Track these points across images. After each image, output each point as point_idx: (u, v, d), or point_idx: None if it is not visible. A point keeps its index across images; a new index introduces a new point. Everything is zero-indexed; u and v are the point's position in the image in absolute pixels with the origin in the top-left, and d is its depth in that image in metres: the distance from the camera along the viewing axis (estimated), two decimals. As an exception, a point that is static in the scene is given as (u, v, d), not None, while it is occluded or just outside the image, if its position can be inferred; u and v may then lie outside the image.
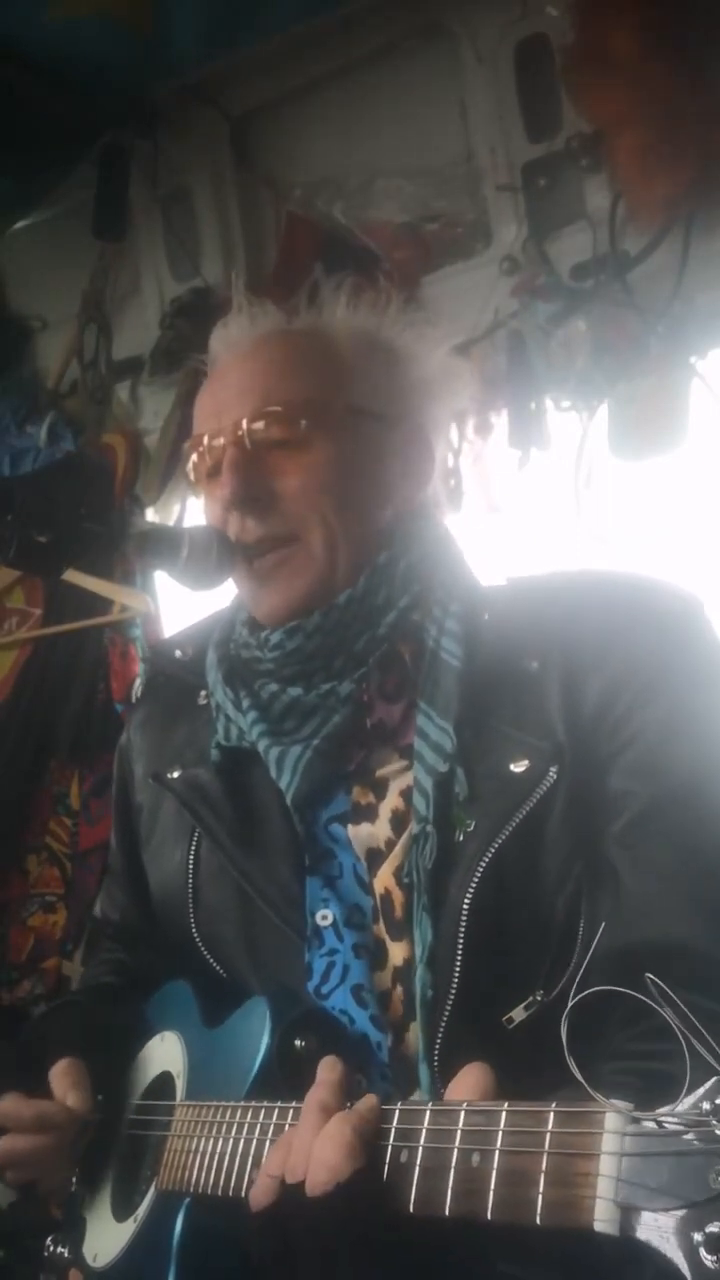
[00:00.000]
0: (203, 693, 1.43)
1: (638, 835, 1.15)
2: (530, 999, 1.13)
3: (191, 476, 1.41)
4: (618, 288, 2.03)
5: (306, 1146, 0.96)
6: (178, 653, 1.52)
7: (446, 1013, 1.14)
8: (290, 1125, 1.06)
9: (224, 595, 2.42)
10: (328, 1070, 1.03)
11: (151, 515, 2.55)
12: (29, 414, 2.70)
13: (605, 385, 2.04)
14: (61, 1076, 1.28)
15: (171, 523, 2.53)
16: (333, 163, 2.37)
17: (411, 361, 1.40)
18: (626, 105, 1.91)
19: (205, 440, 1.36)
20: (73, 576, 2.50)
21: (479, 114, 2.20)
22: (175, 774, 1.39)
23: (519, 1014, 1.13)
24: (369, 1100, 0.97)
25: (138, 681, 2.52)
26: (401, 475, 1.38)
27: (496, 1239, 0.89)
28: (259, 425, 1.31)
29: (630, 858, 1.14)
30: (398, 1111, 0.95)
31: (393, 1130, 0.94)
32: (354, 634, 1.29)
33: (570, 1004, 0.84)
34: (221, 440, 1.33)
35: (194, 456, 1.38)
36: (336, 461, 1.32)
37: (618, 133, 1.96)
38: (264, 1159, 1.05)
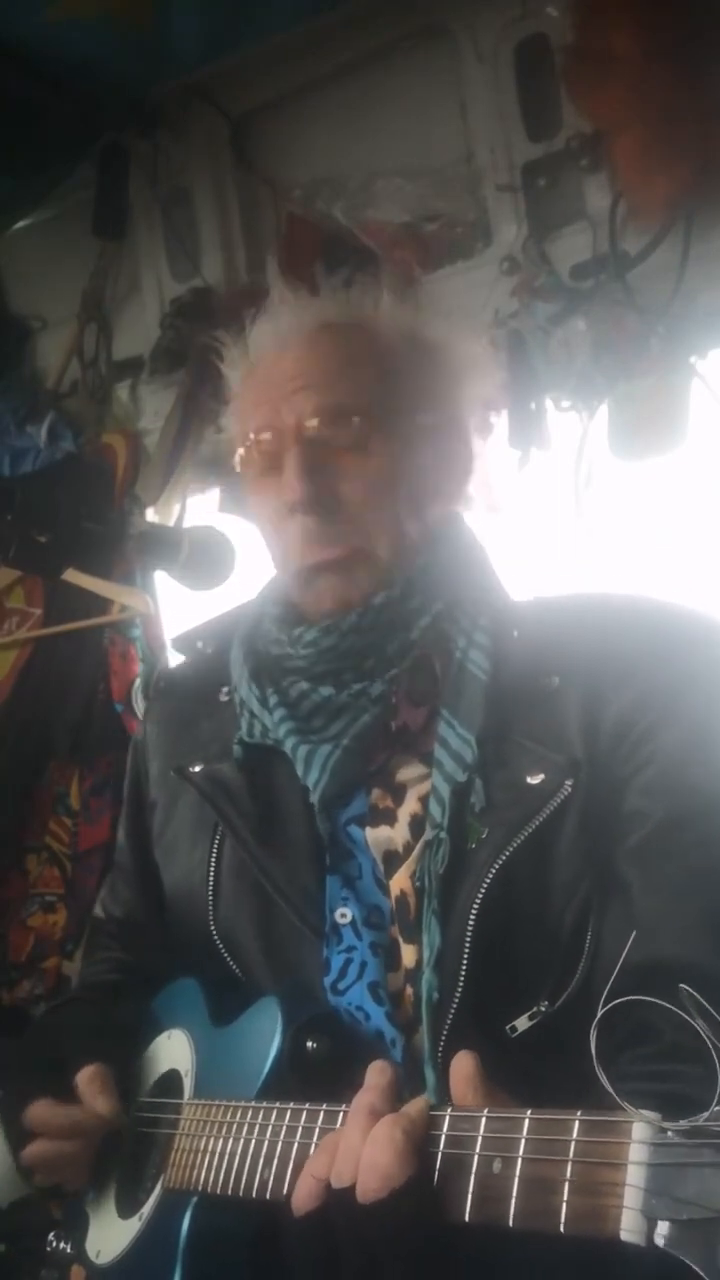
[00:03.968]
0: (225, 689, 1.42)
1: (650, 853, 1.15)
2: (535, 1009, 1.14)
3: (239, 470, 1.38)
4: (618, 288, 2.03)
5: (354, 1150, 0.94)
6: (199, 644, 1.51)
7: (451, 1016, 1.14)
8: (303, 1127, 1.06)
9: (223, 595, 2.45)
10: (378, 1074, 1.01)
11: (151, 515, 2.55)
12: (29, 414, 2.70)
13: (605, 385, 2.04)
14: (90, 1083, 1.28)
15: (171, 523, 2.53)
16: (333, 163, 2.37)
17: (447, 354, 1.39)
18: (626, 105, 1.91)
19: (261, 435, 1.33)
20: (73, 576, 2.51)
21: (479, 114, 2.20)
22: (197, 768, 1.38)
23: (523, 1023, 1.14)
24: (419, 1103, 0.95)
25: (137, 681, 2.52)
26: (448, 474, 1.39)
27: (540, 1262, 0.88)
28: (322, 426, 1.30)
29: (642, 875, 1.15)
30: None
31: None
32: (387, 636, 1.30)
33: (601, 1011, 0.84)
34: (280, 437, 1.31)
35: (241, 451, 1.36)
36: (393, 464, 1.32)
37: (618, 132, 1.96)
38: (300, 1159, 1.03)
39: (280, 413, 1.31)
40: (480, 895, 1.15)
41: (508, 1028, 1.14)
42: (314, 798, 1.27)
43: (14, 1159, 1.31)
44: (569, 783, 1.18)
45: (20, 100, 2.25)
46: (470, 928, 1.15)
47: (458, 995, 1.14)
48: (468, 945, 1.14)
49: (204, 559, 2.42)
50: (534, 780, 1.19)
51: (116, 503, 2.56)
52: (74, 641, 2.61)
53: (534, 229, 2.15)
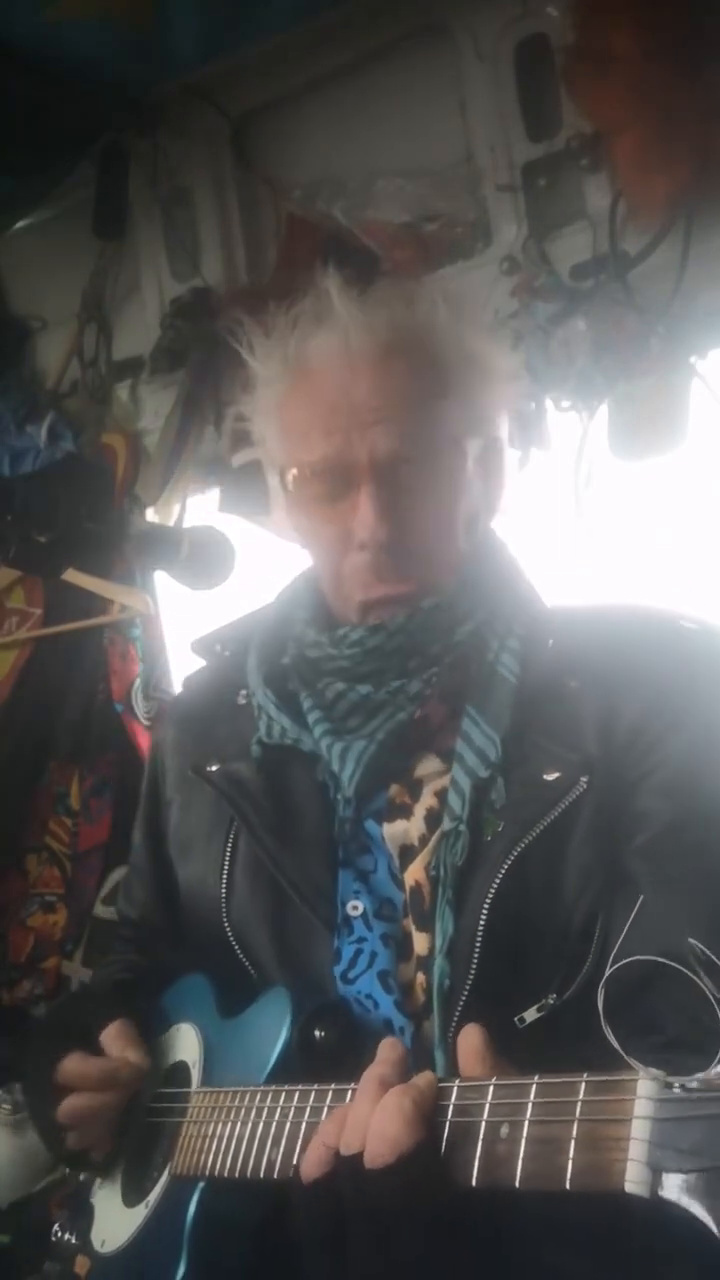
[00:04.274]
0: (242, 692, 1.45)
1: (660, 851, 1.19)
2: (543, 1001, 1.16)
3: (292, 490, 1.35)
4: (618, 288, 2.03)
5: (363, 1118, 0.97)
6: (218, 646, 1.53)
7: (462, 1003, 1.17)
8: (311, 1106, 1.08)
9: (222, 595, 2.45)
10: (389, 1049, 1.05)
11: (151, 515, 2.55)
12: (29, 414, 2.70)
13: (605, 385, 2.04)
14: (116, 1037, 1.31)
15: (171, 523, 2.53)
16: (333, 163, 2.37)
17: (492, 370, 1.39)
18: (626, 105, 1.91)
19: (325, 463, 1.31)
20: (73, 576, 2.51)
21: (479, 114, 2.20)
22: (214, 767, 1.41)
23: (531, 1014, 1.16)
24: (427, 1076, 0.99)
25: (137, 681, 2.52)
26: (493, 492, 1.41)
27: (547, 1226, 0.92)
28: (397, 463, 1.29)
29: (651, 871, 1.18)
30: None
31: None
32: (432, 638, 1.32)
33: (609, 970, 0.88)
34: (349, 470, 1.29)
35: (295, 471, 1.34)
36: (453, 492, 1.33)
37: (618, 132, 1.96)
38: (309, 1138, 1.06)
39: (352, 443, 1.28)
40: (494, 887, 1.18)
41: (516, 1019, 1.16)
42: (348, 792, 1.29)
43: (45, 1130, 1.33)
44: (584, 780, 1.21)
45: (20, 100, 2.25)
46: (483, 918, 1.18)
47: (469, 983, 1.17)
48: (480, 935, 1.18)
49: (204, 559, 2.43)
50: (550, 777, 1.23)
51: (116, 503, 2.57)
52: (74, 641, 2.61)
53: (534, 229, 2.15)
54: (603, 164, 2.04)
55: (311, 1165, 1.01)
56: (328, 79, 2.37)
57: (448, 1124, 0.94)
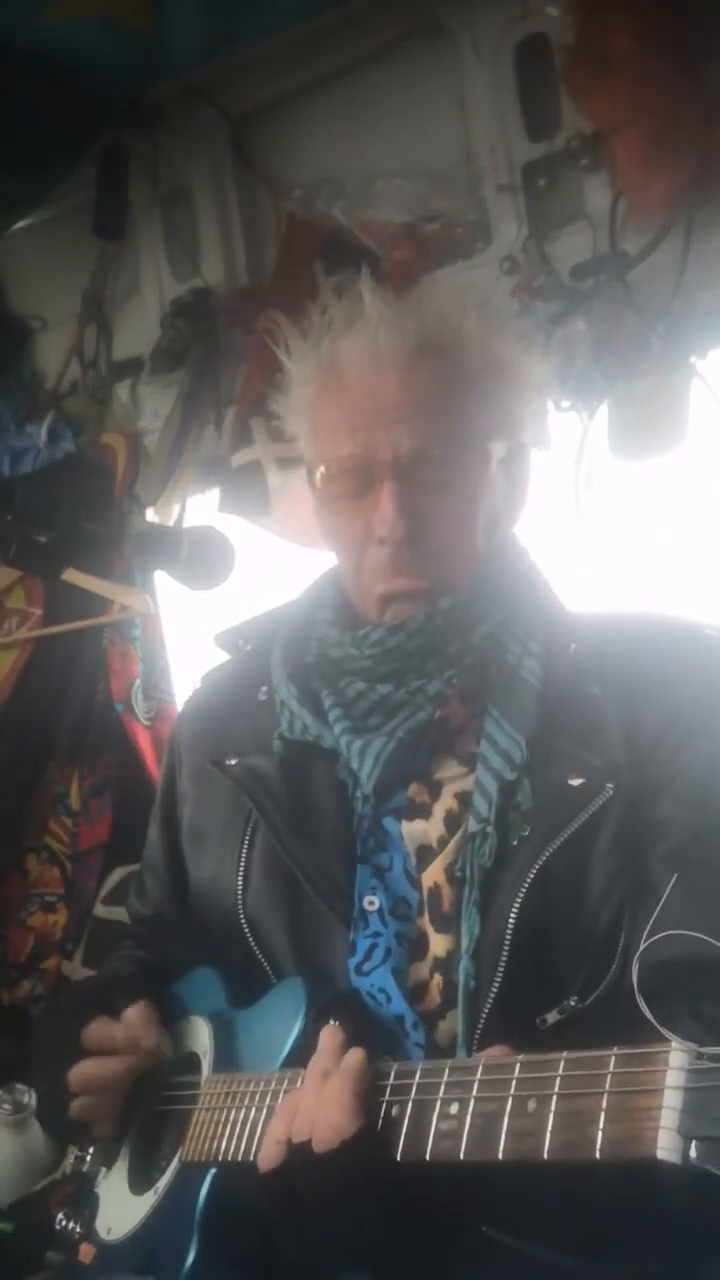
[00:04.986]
0: (264, 688, 1.46)
1: (682, 858, 1.21)
2: (564, 1004, 1.18)
3: (319, 487, 1.38)
4: (618, 287, 2.03)
5: (310, 1109, 1.06)
6: (240, 641, 1.55)
7: (488, 1004, 1.19)
8: None
9: (222, 594, 2.45)
10: (328, 1037, 1.12)
11: (151, 515, 2.55)
12: (29, 414, 2.70)
13: (605, 385, 2.04)
14: (139, 1012, 1.34)
15: (171, 523, 2.53)
16: (333, 163, 2.38)
17: (520, 377, 1.41)
18: (626, 105, 1.91)
19: (348, 460, 1.34)
20: (73, 576, 2.51)
21: (479, 114, 2.20)
22: (233, 761, 1.43)
23: (552, 1016, 1.18)
24: (352, 1059, 1.07)
25: (137, 681, 2.52)
26: (515, 498, 1.43)
27: (491, 1205, 1.00)
28: (418, 462, 1.31)
29: (676, 879, 1.18)
30: (447, 1068, 1.02)
31: (442, 1085, 1.01)
32: (450, 638, 1.34)
33: (644, 944, 0.93)
34: (373, 467, 1.32)
35: (322, 468, 1.37)
36: (474, 495, 1.35)
37: (618, 132, 1.96)
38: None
39: (375, 442, 1.31)
40: (523, 890, 1.21)
41: (538, 1020, 1.18)
42: (367, 789, 1.31)
43: (51, 1097, 1.35)
44: (610, 786, 1.23)
45: (20, 100, 2.25)
46: (511, 921, 1.20)
47: (495, 984, 1.19)
48: (508, 937, 1.20)
49: (203, 559, 2.42)
50: (575, 783, 1.25)
51: (116, 503, 2.57)
52: (74, 641, 2.61)
53: (534, 229, 2.15)
54: (603, 164, 2.05)
55: (267, 1159, 1.08)
56: (328, 79, 2.37)
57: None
